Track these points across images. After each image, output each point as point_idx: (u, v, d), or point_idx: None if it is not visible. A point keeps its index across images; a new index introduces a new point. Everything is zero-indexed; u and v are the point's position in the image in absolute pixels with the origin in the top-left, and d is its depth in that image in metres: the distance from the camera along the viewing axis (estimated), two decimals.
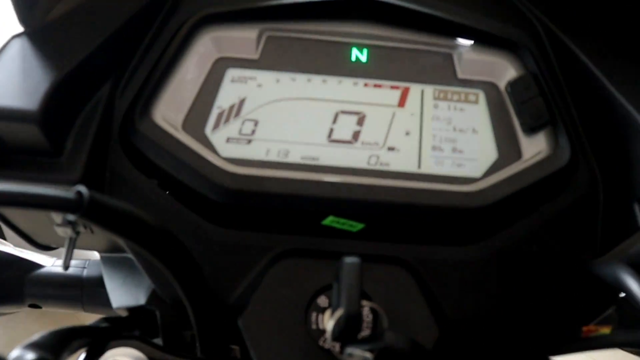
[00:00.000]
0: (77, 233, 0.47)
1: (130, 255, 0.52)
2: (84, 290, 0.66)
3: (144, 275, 0.50)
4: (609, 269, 0.43)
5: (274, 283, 0.48)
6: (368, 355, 0.40)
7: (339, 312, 0.41)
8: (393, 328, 0.45)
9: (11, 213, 0.50)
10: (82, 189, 0.34)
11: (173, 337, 0.54)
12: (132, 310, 0.55)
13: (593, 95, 0.51)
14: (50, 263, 0.69)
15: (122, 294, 0.55)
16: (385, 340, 0.40)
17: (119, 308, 0.55)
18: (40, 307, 0.68)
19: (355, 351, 0.41)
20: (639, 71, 0.51)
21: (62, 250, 0.50)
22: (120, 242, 0.41)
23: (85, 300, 0.66)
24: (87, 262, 0.67)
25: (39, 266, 0.68)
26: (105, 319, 0.52)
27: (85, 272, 0.66)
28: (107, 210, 0.36)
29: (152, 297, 0.51)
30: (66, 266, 0.50)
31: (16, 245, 0.71)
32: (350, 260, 0.41)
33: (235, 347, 0.51)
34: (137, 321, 0.54)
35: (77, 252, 0.50)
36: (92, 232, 0.50)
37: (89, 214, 0.35)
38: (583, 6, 0.54)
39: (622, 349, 0.52)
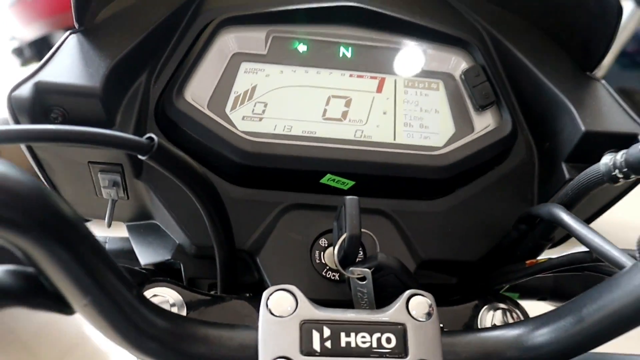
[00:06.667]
0: (116, 199, 0.55)
1: (155, 221, 0.62)
2: None
3: (171, 233, 0.59)
4: (546, 209, 0.55)
5: (284, 230, 0.57)
6: (367, 270, 0.51)
7: (344, 236, 0.50)
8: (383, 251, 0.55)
9: (60, 180, 0.59)
10: (153, 135, 0.43)
11: (194, 285, 0.62)
12: (157, 265, 0.63)
13: (526, 81, 0.65)
14: None
15: (149, 253, 0.63)
16: (379, 259, 0.51)
17: (147, 265, 0.63)
18: None
19: (356, 269, 0.51)
20: (560, 62, 0.66)
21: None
22: (179, 182, 0.47)
23: None
24: (107, 238, 0.73)
25: None
26: (139, 269, 0.60)
27: (106, 248, 0.71)
28: (170, 155, 0.44)
29: (177, 252, 0.60)
30: (109, 224, 0.59)
31: None
32: (350, 197, 0.50)
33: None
34: (163, 274, 0.62)
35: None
36: (127, 198, 0.60)
37: (156, 157, 0.43)
38: (515, 16, 0.69)
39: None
